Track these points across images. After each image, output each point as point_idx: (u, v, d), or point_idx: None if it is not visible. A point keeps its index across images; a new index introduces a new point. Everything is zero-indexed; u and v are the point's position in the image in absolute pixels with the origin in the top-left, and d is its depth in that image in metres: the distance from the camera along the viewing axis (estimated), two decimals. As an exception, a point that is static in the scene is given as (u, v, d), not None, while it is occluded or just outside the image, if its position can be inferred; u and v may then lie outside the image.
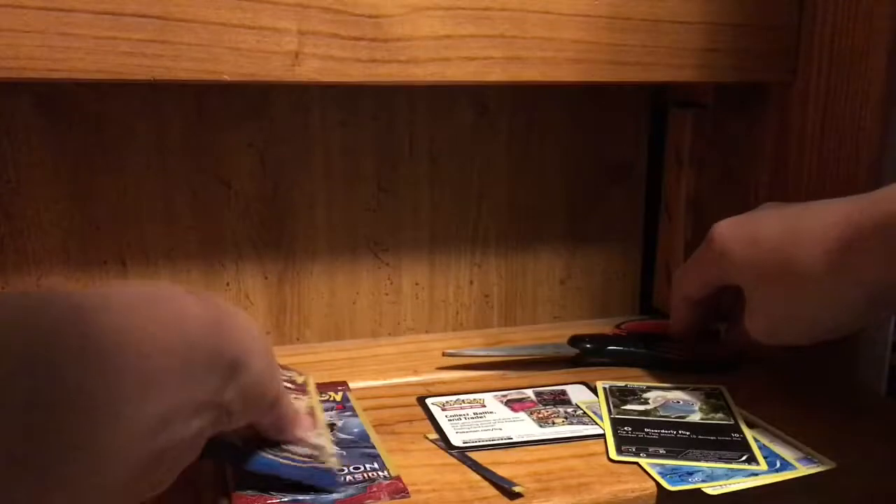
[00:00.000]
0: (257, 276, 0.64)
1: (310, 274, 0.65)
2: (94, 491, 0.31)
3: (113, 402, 0.31)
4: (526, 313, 0.72)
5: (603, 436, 0.51)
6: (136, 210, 0.60)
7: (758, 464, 0.48)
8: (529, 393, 0.57)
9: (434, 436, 0.51)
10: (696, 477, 0.46)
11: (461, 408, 0.55)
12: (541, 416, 0.54)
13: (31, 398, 0.29)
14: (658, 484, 0.46)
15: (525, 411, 0.55)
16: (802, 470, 0.47)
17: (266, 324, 0.65)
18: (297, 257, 0.65)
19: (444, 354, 0.62)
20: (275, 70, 0.51)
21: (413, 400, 0.56)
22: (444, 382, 0.60)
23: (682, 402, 0.56)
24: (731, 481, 0.46)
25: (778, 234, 0.50)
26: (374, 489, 0.44)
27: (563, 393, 0.58)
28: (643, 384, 0.59)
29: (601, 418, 0.53)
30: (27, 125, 0.57)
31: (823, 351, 0.60)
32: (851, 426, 0.53)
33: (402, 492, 0.44)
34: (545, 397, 0.57)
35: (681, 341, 0.62)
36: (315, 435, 0.46)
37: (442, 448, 0.50)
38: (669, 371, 0.61)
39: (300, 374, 0.54)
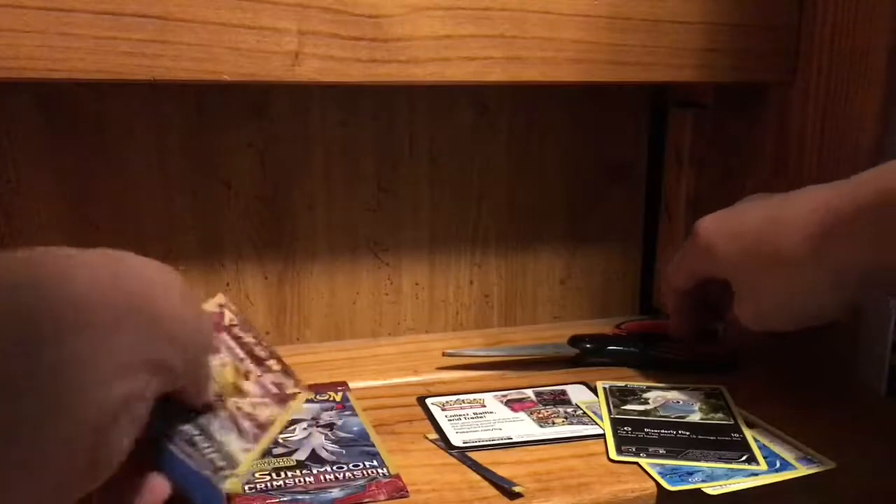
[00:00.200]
0: (257, 276, 0.64)
1: (310, 274, 0.65)
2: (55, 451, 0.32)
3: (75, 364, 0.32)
4: (526, 313, 0.72)
5: (603, 436, 0.51)
6: (136, 210, 0.60)
7: (758, 464, 0.48)
8: (529, 393, 0.57)
9: (434, 436, 0.51)
10: (696, 477, 0.46)
11: (461, 408, 0.55)
12: (541, 416, 0.54)
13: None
14: (658, 484, 0.46)
15: (525, 411, 0.55)
16: (802, 470, 0.47)
17: (266, 324, 0.65)
18: (297, 257, 0.65)
19: (444, 354, 0.62)
20: (275, 70, 0.51)
21: (413, 400, 0.56)
22: (444, 382, 0.60)
23: (681, 402, 0.56)
24: (730, 481, 0.46)
25: (760, 225, 0.51)
26: (374, 487, 0.44)
27: (563, 393, 0.58)
28: (643, 384, 0.59)
29: (601, 418, 0.53)
30: (27, 125, 0.57)
31: (823, 351, 0.60)
32: (851, 426, 0.53)
33: (401, 490, 0.44)
34: (545, 397, 0.57)
35: (680, 341, 0.62)
36: (246, 439, 0.44)
37: (442, 448, 0.50)
38: (669, 371, 0.61)
39: (297, 385, 0.50)
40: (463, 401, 0.56)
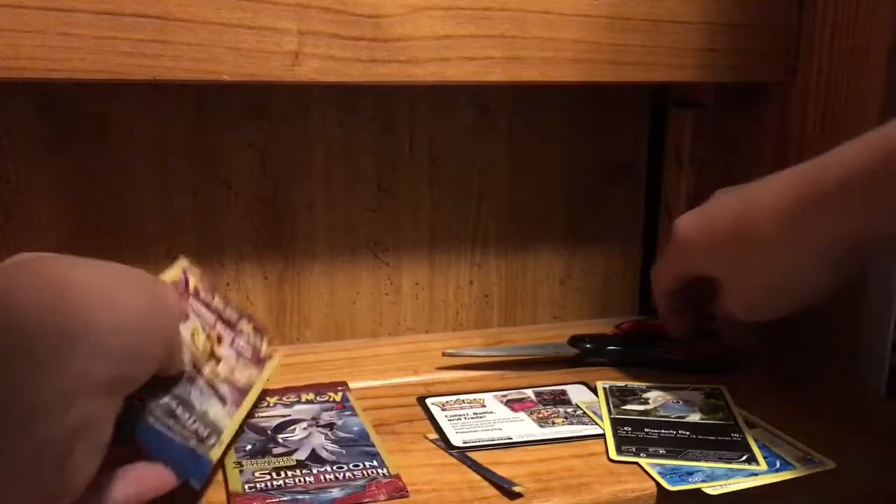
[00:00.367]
0: (257, 277, 0.64)
1: (310, 274, 0.65)
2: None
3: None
4: (526, 313, 0.72)
5: (603, 436, 0.51)
6: (136, 210, 0.60)
7: (757, 464, 0.48)
8: (529, 393, 0.57)
9: (434, 436, 0.51)
10: (696, 477, 0.46)
11: (461, 408, 0.55)
12: (541, 416, 0.54)
13: None
14: (658, 484, 0.46)
15: (525, 411, 0.55)
16: (802, 470, 0.47)
17: (266, 324, 0.65)
18: (297, 257, 0.65)
19: (444, 354, 0.62)
20: (275, 70, 0.51)
21: (413, 400, 0.56)
22: (444, 382, 0.60)
23: (681, 402, 0.56)
24: (730, 481, 0.46)
25: (733, 216, 0.51)
26: (374, 487, 0.44)
27: (563, 393, 0.58)
28: (643, 384, 0.59)
29: (601, 418, 0.53)
30: (27, 125, 0.57)
31: (824, 351, 0.60)
32: (851, 426, 0.53)
33: (401, 490, 0.44)
34: (545, 397, 0.57)
35: (680, 341, 0.62)
36: (227, 404, 0.43)
37: (442, 448, 0.50)
38: (669, 371, 0.61)
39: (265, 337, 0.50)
40: (463, 401, 0.56)
